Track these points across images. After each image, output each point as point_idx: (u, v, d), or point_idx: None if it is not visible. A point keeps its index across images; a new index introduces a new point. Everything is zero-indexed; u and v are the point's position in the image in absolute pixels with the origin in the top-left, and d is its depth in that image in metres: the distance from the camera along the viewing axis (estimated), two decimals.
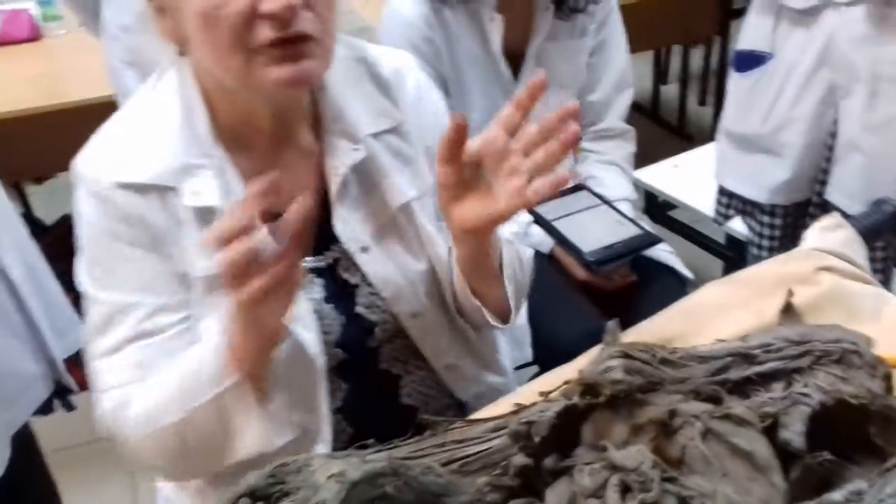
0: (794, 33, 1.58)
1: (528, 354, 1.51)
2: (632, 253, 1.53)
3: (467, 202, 0.87)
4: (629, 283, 1.57)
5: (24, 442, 1.50)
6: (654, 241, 1.56)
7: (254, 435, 0.88)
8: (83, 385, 2.21)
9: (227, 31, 0.82)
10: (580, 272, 1.55)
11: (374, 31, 2.12)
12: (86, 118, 2.07)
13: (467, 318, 1.10)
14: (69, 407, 1.67)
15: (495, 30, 1.54)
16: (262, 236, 0.71)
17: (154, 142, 0.91)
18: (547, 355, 1.48)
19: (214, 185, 0.90)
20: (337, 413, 1.04)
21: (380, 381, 1.08)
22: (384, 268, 1.01)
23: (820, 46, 1.54)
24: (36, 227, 2.31)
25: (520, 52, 1.59)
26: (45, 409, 1.54)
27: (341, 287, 1.02)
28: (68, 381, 1.54)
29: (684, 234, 2.22)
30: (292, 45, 0.83)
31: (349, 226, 0.99)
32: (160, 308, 0.92)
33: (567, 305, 1.52)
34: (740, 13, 3.04)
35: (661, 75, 3.73)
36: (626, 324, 0.94)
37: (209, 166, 0.91)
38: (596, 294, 1.55)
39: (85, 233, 0.93)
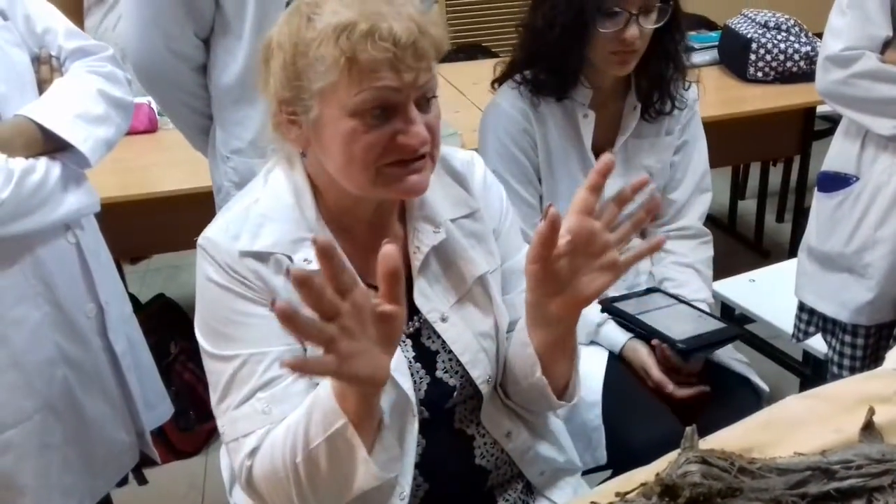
0: (881, 157, 1.61)
1: (601, 457, 1.51)
2: (719, 343, 1.54)
3: (560, 292, 0.97)
4: (701, 394, 1.56)
5: None
6: (739, 333, 1.58)
7: (361, 476, 0.92)
8: (164, 458, 2.28)
9: (364, 153, 0.95)
10: (654, 372, 1.56)
11: (460, 137, 2.24)
12: (184, 206, 2.23)
13: (517, 397, 1.16)
14: (142, 480, 1.72)
15: (587, 125, 1.64)
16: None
17: (270, 220, 1.03)
18: (620, 458, 1.47)
19: None
20: (415, 468, 1.09)
21: (455, 440, 1.14)
22: (461, 335, 1.10)
23: None
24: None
25: (608, 147, 1.68)
26: (120, 480, 1.60)
27: (424, 354, 1.10)
28: (152, 453, 1.60)
29: (760, 349, 2.19)
30: (415, 162, 0.97)
31: (429, 298, 1.09)
32: (280, 356, 0.99)
33: (642, 408, 1.52)
34: (822, 135, 3.08)
35: (739, 190, 3.75)
36: (698, 433, 0.96)
37: None
38: (667, 400, 1.55)
39: (210, 296, 1.02)
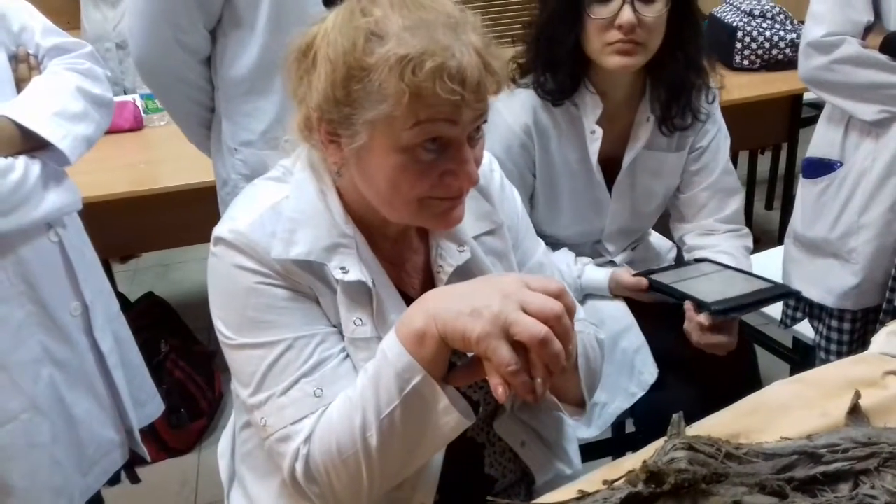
0: (864, 142, 1.62)
1: (651, 374, 1.53)
2: (758, 304, 1.44)
3: None
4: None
5: None
6: (788, 292, 1.52)
7: (442, 429, 0.90)
8: (156, 456, 2.27)
9: (410, 187, 0.92)
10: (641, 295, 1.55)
11: None
12: (171, 203, 2.23)
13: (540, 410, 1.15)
14: (134, 479, 1.72)
15: (594, 142, 1.53)
16: None
17: (302, 225, 0.98)
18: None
19: (356, 260, 0.99)
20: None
21: (465, 449, 1.13)
22: None
23: (889, 156, 1.57)
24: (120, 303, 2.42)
25: (615, 159, 1.58)
26: (112, 479, 1.59)
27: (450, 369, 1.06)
28: (142, 451, 1.59)
29: (751, 336, 2.19)
30: (459, 197, 0.95)
31: None
32: (324, 338, 0.98)
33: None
34: (808, 122, 3.09)
35: None
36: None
37: (349, 245, 1.00)
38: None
39: (246, 285, 0.97)
